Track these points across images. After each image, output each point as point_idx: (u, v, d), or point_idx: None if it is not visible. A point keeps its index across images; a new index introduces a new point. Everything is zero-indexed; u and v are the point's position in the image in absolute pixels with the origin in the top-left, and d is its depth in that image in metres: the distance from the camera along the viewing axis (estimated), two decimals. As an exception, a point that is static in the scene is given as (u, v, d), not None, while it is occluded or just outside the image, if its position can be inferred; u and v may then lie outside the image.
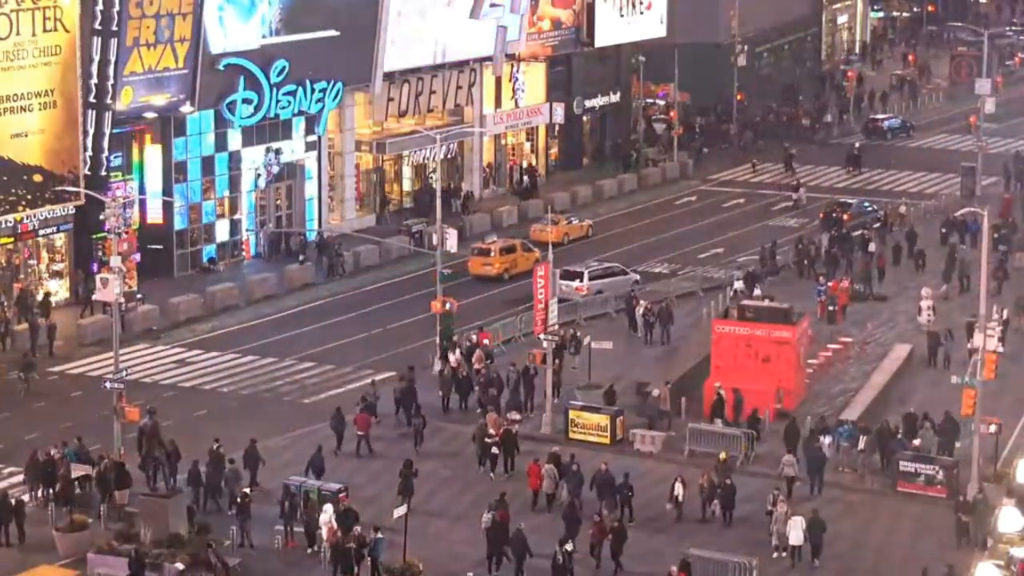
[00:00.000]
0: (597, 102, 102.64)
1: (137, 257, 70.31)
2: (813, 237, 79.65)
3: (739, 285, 71.17)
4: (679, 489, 48.29)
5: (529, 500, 49.62)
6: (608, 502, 48.20)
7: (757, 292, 69.29)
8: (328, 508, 46.19)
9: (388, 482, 50.52)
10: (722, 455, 49.98)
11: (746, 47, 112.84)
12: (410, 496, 48.47)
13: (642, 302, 67.68)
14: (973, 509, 46.49)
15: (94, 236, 70.45)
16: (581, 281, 72.89)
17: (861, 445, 52.11)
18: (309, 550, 45.94)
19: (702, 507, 48.32)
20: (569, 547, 43.87)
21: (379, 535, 44.56)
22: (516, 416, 55.88)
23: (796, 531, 46.06)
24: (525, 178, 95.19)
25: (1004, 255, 75.53)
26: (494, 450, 52.95)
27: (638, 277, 75.20)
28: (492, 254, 77.34)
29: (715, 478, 48.69)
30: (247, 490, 47.39)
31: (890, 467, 51.35)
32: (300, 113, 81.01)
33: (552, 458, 50.76)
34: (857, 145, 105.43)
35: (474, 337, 63.07)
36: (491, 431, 53.38)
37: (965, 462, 50.53)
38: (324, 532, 45.56)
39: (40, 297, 68.08)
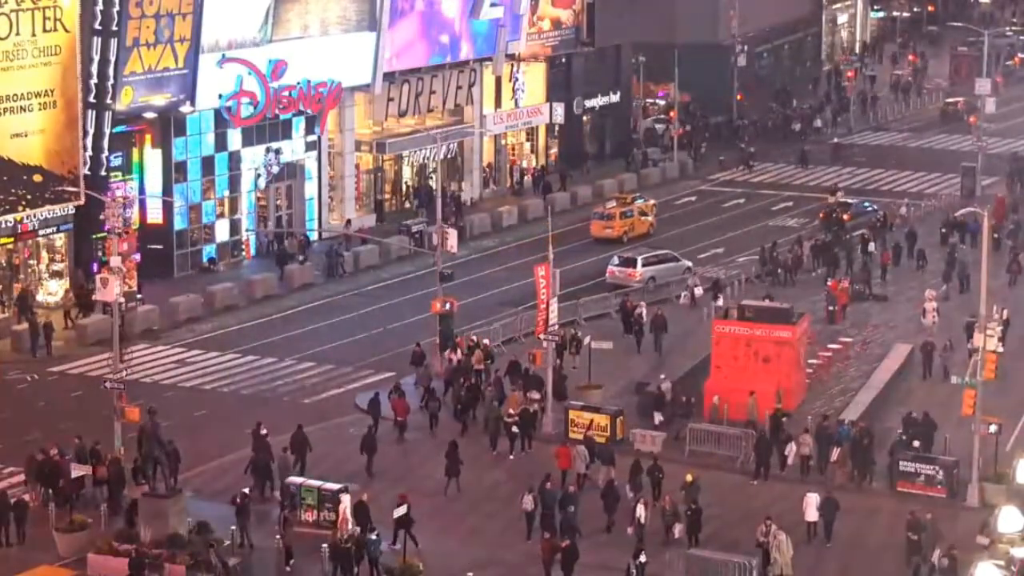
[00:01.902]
0: (597, 102, 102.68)
1: (137, 257, 70.30)
2: (792, 244, 78.22)
3: (699, 292, 70.41)
4: (641, 511, 46.54)
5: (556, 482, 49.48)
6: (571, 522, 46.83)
7: (719, 303, 68.94)
8: (345, 499, 46.35)
9: (407, 469, 51.39)
10: (688, 477, 48.30)
11: (746, 47, 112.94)
12: (457, 476, 50.11)
13: (641, 303, 67.49)
14: (922, 528, 45.63)
15: (94, 236, 70.46)
16: (634, 267, 73.93)
17: (834, 456, 51.64)
18: (288, 567, 44.96)
19: (664, 531, 46.42)
20: (643, 559, 43.31)
21: (378, 535, 44.59)
22: (536, 396, 56.41)
23: (811, 508, 47.07)
24: (547, 176, 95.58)
25: (1012, 250, 76.06)
26: (515, 429, 53.91)
27: (690, 264, 76.07)
28: (613, 218, 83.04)
29: (678, 502, 47.03)
30: (245, 490, 47.26)
31: (867, 478, 50.85)
32: (300, 113, 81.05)
33: (585, 440, 51.45)
34: (835, 141, 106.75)
35: (474, 337, 63.08)
36: (511, 410, 54.23)
37: (965, 462, 50.57)
38: (338, 521, 45.77)
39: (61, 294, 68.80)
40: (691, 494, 47.41)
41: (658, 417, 55.42)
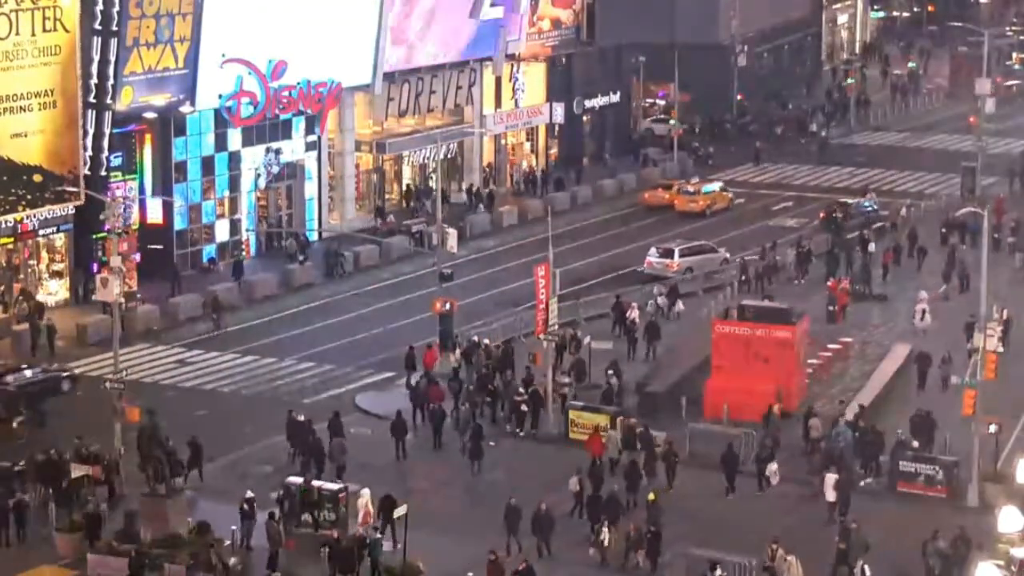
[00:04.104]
0: (597, 102, 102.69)
1: (137, 257, 70.31)
2: (769, 253, 76.79)
3: (662, 300, 69.66)
4: (605, 534, 45.86)
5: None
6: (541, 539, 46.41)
7: (680, 307, 68.77)
8: (366, 492, 46.62)
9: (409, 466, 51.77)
10: (651, 496, 47.38)
11: (746, 47, 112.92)
12: (480, 459, 51.71)
13: (634, 305, 67.19)
14: (848, 537, 45.31)
15: (94, 236, 70.47)
16: (672, 258, 75.21)
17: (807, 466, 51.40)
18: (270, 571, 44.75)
19: (625, 555, 45.47)
20: (719, 572, 43.04)
21: (379, 535, 44.60)
22: (566, 379, 57.52)
23: (829, 489, 48.43)
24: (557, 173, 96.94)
25: (1012, 248, 76.80)
26: (523, 408, 54.96)
27: (728, 255, 76.66)
28: (697, 193, 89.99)
29: (641, 525, 45.92)
30: (251, 494, 47.15)
31: (841, 492, 49.89)
32: (300, 113, 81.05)
33: (626, 428, 52.36)
34: (823, 133, 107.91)
35: (474, 337, 63.12)
36: (520, 389, 55.33)
37: (965, 462, 50.55)
38: (360, 516, 46.06)
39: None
40: (653, 515, 46.24)
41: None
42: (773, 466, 50.77)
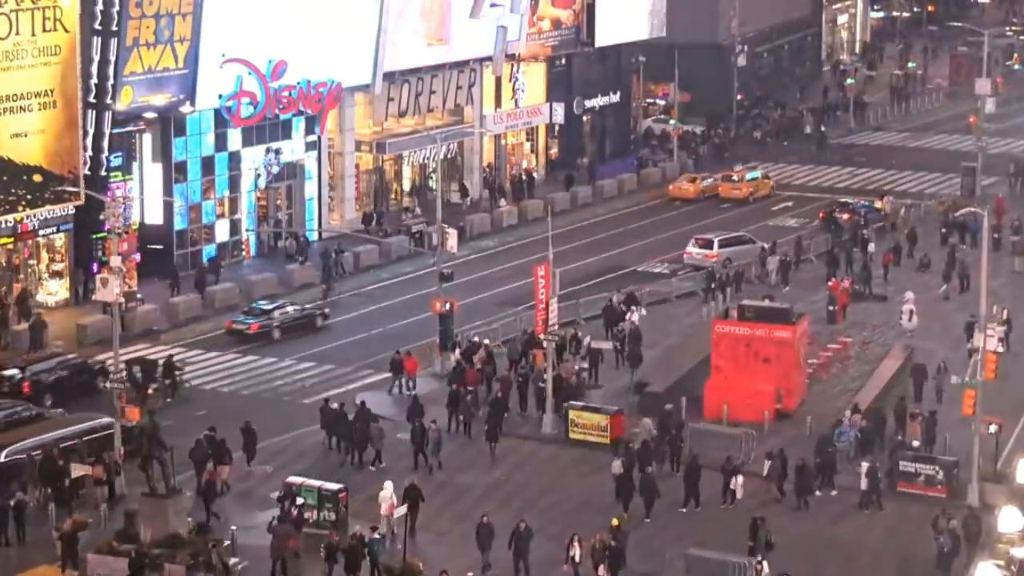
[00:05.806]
0: (597, 102, 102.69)
1: (137, 257, 70.30)
2: (768, 253, 76.61)
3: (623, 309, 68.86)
4: (575, 550, 45.06)
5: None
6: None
7: (643, 312, 67.88)
8: (388, 485, 47.04)
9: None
10: (614, 521, 46.23)
11: (746, 47, 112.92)
12: (495, 442, 52.95)
13: (634, 310, 66.50)
14: (755, 535, 45.07)
15: (94, 236, 70.47)
16: (712, 249, 76.88)
17: (765, 471, 50.42)
18: None
19: (593, 569, 44.92)
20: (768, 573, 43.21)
21: (378, 535, 44.59)
22: (584, 365, 59.05)
23: (862, 477, 49.46)
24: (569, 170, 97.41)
25: (1014, 246, 76.72)
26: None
27: (765, 246, 77.68)
28: (741, 180, 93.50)
29: (608, 540, 45.14)
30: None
31: (804, 503, 49.77)
32: (300, 113, 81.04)
33: (661, 414, 53.20)
34: (821, 128, 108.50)
35: (475, 337, 63.13)
36: (544, 376, 55.88)
37: (965, 462, 50.58)
38: (383, 508, 46.28)
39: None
40: (616, 536, 45.40)
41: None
42: (739, 479, 50.05)
